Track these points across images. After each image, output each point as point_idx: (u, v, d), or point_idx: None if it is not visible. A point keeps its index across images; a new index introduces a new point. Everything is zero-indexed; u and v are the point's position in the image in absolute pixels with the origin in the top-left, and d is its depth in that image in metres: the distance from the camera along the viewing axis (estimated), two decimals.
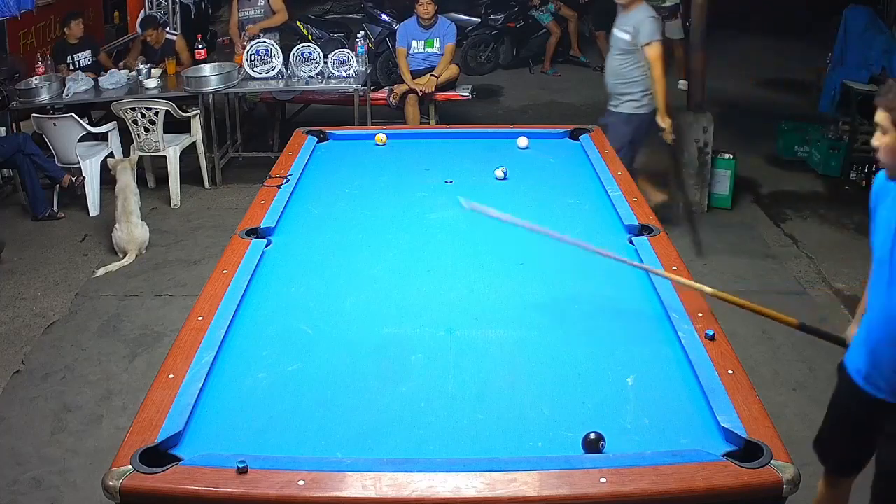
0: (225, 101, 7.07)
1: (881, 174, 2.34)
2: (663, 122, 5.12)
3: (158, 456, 1.92)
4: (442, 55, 6.90)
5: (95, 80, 6.61)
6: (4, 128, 6.39)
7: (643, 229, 3.05)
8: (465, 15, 9.00)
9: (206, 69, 6.67)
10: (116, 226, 5.47)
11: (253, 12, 7.11)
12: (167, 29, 7.65)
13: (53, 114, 6.30)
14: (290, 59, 6.64)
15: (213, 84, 6.51)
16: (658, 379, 2.24)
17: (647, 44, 4.95)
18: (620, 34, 5.11)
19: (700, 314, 2.47)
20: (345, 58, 6.66)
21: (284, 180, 3.54)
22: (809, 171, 6.75)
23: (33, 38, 7.26)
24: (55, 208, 6.13)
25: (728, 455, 1.91)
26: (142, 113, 6.17)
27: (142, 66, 6.72)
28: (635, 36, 4.99)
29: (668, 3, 8.64)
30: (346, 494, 1.83)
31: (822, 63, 7.55)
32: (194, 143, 6.52)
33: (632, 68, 5.12)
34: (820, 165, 6.68)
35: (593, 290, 2.73)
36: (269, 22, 6.99)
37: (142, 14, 8.14)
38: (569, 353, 2.37)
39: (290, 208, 3.33)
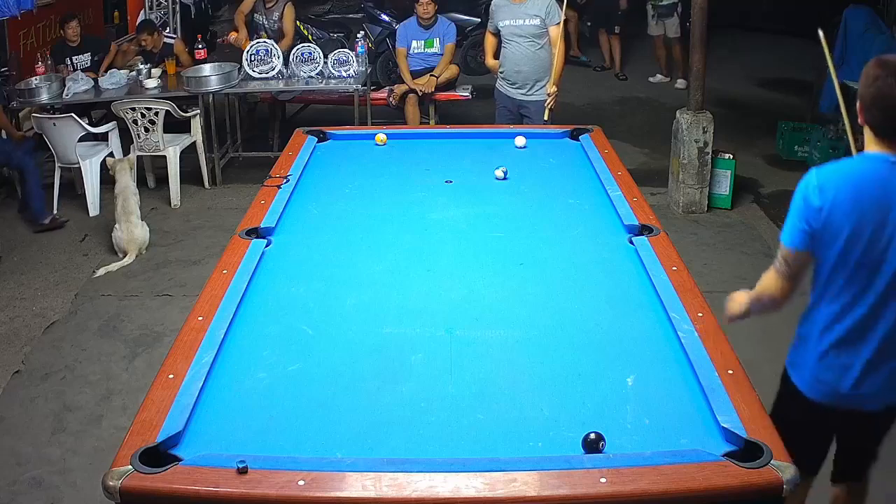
0: (225, 101, 7.07)
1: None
2: (551, 89, 5.33)
3: (158, 456, 1.92)
4: (442, 55, 6.90)
5: (95, 80, 6.61)
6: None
7: (643, 229, 3.05)
8: (465, 15, 8.98)
9: (206, 69, 6.67)
10: (116, 226, 5.47)
11: (267, 22, 7.15)
12: (166, 32, 7.65)
13: (53, 114, 6.30)
14: (290, 59, 6.64)
15: (213, 84, 6.51)
16: (658, 379, 2.25)
17: (557, 23, 5.30)
18: (529, 21, 5.31)
19: (700, 314, 2.47)
20: (345, 58, 6.66)
21: (284, 180, 3.54)
22: None
23: (33, 38, 7.25)
24: (56, 211, 6.12)
25: (728, 455, 1.91)
26: (142, 113, 6.17)
27: (142, 67, 6.72)
28: (546, 18, 5.28)
29: (665, 2, 8.65)
30: (346, 494, 1.83)
31: (822, 63, 7.54)
32: (194, 143, 6.52)
33: (545, 52, 5.37)
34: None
35: (593, 289, 2.73)
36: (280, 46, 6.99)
37: (141, 16, 8.14)
38: (569, 352, 2.37)
39: (290, 208, 3.33)
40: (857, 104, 2.22)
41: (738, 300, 2.47)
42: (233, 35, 7.19)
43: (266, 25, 7.13)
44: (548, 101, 5.33)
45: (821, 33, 2.91)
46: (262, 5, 7.13)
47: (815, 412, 2.42)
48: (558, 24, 5.30)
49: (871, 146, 2.22)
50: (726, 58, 9.49)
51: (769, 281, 2.35)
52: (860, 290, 2.25)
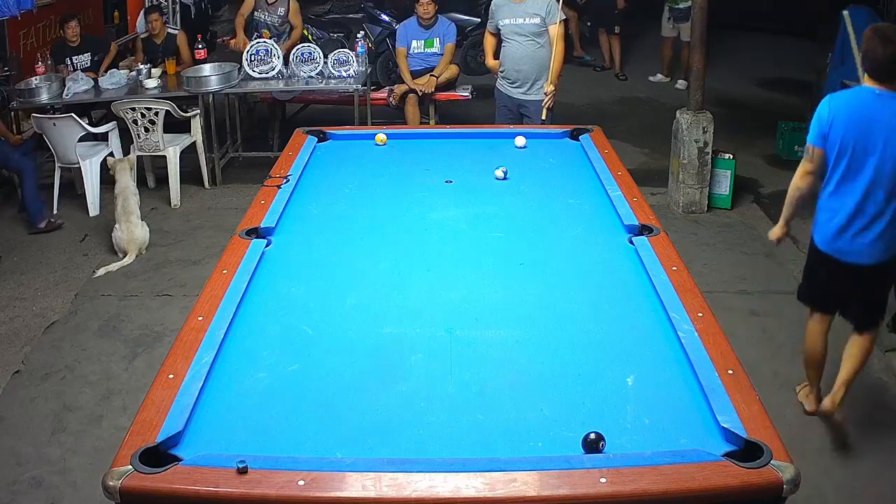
0: (225, 101, 7.07)
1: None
2: (549, 88, 5.35)
3: (158, 456, 1.92)
4: (442, 55, 6.90)
5: (95, 80, 6.62)
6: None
7: (643, 229, 3.05)
8: (465, 15, 8.99)
9: (206, 69, 6.67)
10: (116, 226, 5.47)
11: (270, 18, 7.14)
12: (168, 25, 7.66)
13: (53, 114, 6.30)
14: (290, 59, 6.64)
15: (213, 84, 6.51)
16: (658, 379, 2.25)
17: (557, 22, 5.31)
18: (529, 20, 5.35)
19: (700, 314, 2.47)
20: (345, 58, 6.66)
21: (284, 180, 3.54)
22: None
23: (33, 38, 7.26)
24: (56, 211, 6.12)
25: (728, 455, 1.91)
26: (142, 113, 6.17)
27: (142, 66, 6.73)
28: (546, 17, 5.31)
29: (681, 5, 8.64)
30: (346, 494, 1.83)
31: (822, 63, 7.55)
32: (194, 143, 6.52)
33: (545, 51, 5.39)
34: None
35: (593, 290, 2.73)
36: (290, 42, 7.00)
37: (141, 15, 8.14)
38: (569, 353, 2.37)
39: (290, 208, 3.33)
40: (860, 55, 3.40)
41: (776, 228, 3.60)
42: (233, 42, 7.19)
43: (269, 22, 7.13)
44: (545, 101, 5.33)
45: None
46: (265, 2, 7.13)
47: (826, 261, 3.45)
48: (558, 23, 5.30)
49: (867, 82, 3.29)
50: (726, 58, 9.49)
51: (799, 169, 3.43)
52: (851, 181, 3.29)
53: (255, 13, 7.17)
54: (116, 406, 3.93)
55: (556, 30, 5.29)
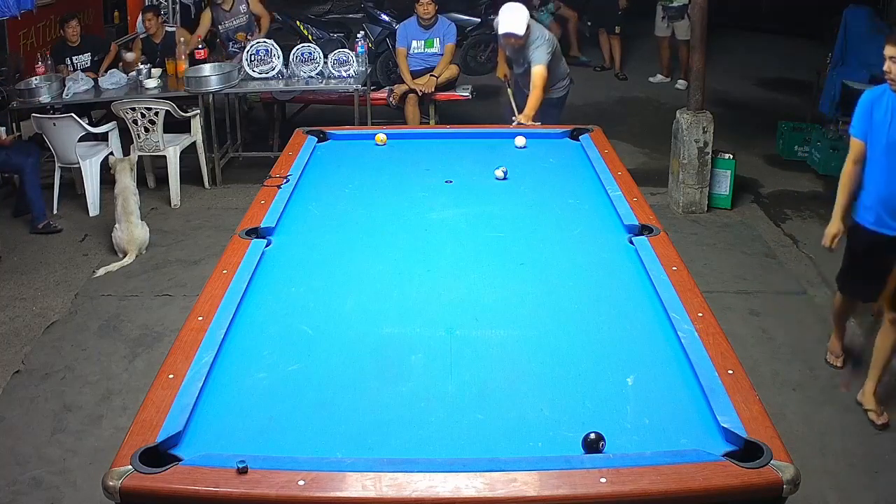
0: (225, 101, 7.07)
1: (876, 89, 3.54)
2: (521, 118, 5.07)
3: (158, 456, 1.92)
4: (442, 55, 6.91)
5: (95, 80, 6.62)
6: (4, 128, 6.38)
7: (643, 229, 3.05)
8: (465, 15, 9.00)
9: (206, 69, 6.67)
10: (116, 226, 5.47)
11: (237, 22, 7.23)
12: (167, 24, 7.67)
13: (53, 114, 6.30)
14: (290, 59, 6.64)
15: (213, 84, 6.51)
16: (658, 379, 2.24)
17: (539, 64, 5.25)
18: (526, 65, 5.43)
19: (700, 314, 2.47)
20: (345, 58, 6.66)
21: (284, 180, 3.54)
22: (809, 171, 6.75)
23: (33, 38, 7.26)
24: (55, 211, 6.12)
25: (728, 455, 1.91)
26: (142, 113, 6.17)
27: (142, 66, 6.72)
28: (532, 62, 5.30)
29: (675, 4, 8.64)
30: (346, 494, 1.83)
31: (822, 63, 7.56)
32: (194, 143, 6.52)
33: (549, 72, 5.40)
34: (820, 165, 6.68)
35: (593, 289, 2.73)
36: (264, 33, 7.06)
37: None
38: (569, 353, 2.37)
39: (290, 208, 3.33)
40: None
41: (831, 227, 3.83)
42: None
43: (238, 25, 7.24)
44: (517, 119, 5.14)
45: None
46: (223, 12, 7.17)
47: (870, 237, 3.67)
48: (543, 65, 5.17)
49: None
50: (726, 58, 9.49)
51: None
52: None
53: (220, 26, 7.25)
54: (116, 406, 3.93)
55: (537, 71, 5.14)
